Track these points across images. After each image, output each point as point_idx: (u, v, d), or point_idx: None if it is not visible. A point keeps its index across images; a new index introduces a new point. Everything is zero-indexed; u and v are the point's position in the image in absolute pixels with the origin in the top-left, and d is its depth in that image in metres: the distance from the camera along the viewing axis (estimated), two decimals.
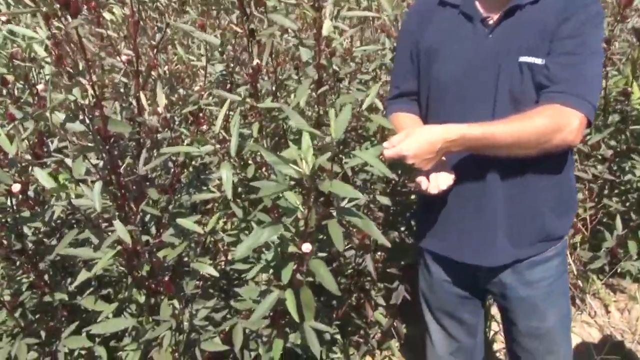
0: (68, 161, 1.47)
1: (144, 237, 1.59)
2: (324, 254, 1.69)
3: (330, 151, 1.20)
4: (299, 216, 1.34)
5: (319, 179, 1.19)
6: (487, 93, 1.41)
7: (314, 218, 1.30)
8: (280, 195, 1.77)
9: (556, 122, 1.31)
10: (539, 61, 1.35)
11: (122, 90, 1.70)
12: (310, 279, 1.45)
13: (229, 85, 1.91)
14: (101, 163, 1.51)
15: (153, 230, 1.74)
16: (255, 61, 1.72)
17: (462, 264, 1.54)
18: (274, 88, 1.83)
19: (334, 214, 1.28)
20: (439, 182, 1.41)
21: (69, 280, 1.79)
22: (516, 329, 1.60)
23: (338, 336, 1.97)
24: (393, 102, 1.68)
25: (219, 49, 1.87)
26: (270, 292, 1.46)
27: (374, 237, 1.26)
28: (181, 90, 1.98)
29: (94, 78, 1.38)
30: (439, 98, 1.50)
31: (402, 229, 2.16)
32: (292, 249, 1.36)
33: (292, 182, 1.27)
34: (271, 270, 1.58)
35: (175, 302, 1.61)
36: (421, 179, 1.41)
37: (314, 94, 1.71)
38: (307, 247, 1.30)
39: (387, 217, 2.09)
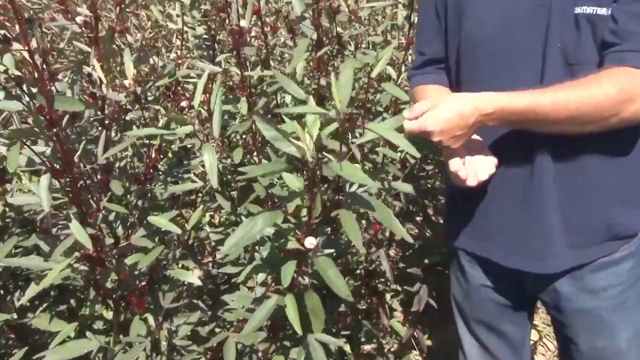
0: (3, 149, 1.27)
1: (109, 241, 1.47)
2: (330, 250, 1.51)
3: (338, 124, 1.04)
4: (301, 204, 1.20)
5: (323, 160, 1.05)
6: (532, 55, 1.21)
7: (320, 206, 1.14)
8: (275, 182, 1.59)
9: (627, 90, 1.10)
10: (602, 11, 1.13)
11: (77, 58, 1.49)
12: (314, 281, 1.33)
13: (211, 52, 1.69)
14: (48, 150, 1.32)
15: (120, 231, 1.59)
16: (239, 22, 1.51)
17: (507, 267, 1.36)
18: (262, 56, 1.61)
19: (343, 201, 1.14)
20: (477, 170, 1.23)
21: (17, 293, 1.62)
22: (576, 349, 1.38)
23: (347, 347, 1.78)
24: (418, 73, 1.52)
25: (198, 7, 1.65)
26: (267, 298, 1.31)
27: (393, 230, 1.10)
28: (156, 59, 1.78)
29: (34, 43, 1.18)
30: (471, 63, 1.33)
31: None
32: (293, 244, 1.21)
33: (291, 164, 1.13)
34: (267, 271, 1.42)
35: (150, 318, 1.47)
36: (458, 167, 1.23)
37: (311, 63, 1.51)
38: (311, 242, 1.15)
39: (404, 206, 1.88)
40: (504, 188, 1.30)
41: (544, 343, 2.57)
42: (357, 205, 1.12)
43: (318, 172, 1.08)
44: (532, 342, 2.37)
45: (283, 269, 1.21)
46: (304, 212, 1.20)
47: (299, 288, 1.28)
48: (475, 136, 1.24)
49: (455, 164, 1.24)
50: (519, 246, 1.32)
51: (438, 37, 1.43)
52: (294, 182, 1.23)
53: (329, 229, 1.62)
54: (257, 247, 1.50)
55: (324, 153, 1.03)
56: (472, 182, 1.23)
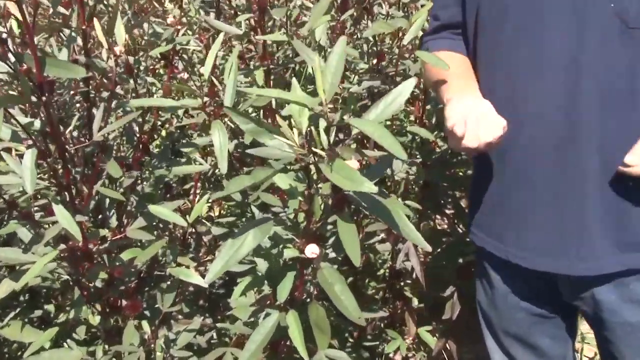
0: None
1: (103, 232, 1.39)
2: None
3: (322, 119, 0.97)
4: (300, 206, 1.18)
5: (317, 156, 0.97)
6: (572, 16, 1.14)
7: (319, 210, 1.08)
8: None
9: None
10: None
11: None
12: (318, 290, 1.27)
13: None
14: (36, 123, 1.23)
15: (113, 221, 1.52)
16: None
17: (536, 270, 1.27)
18: (284, 18, 1.55)
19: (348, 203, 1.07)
20: (480, 130, 1.13)
21: None
22: None
23: None
24: (430, 38, 1.44)
25: None
26: (267, 315, 1.24)
27: (409, 239, 1.02)
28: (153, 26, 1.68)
29: None
30: (495, 27, 1.25)
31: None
32: (291, 253, 1.16)
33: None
34: (266, 284, 1.38)
35: (145, 324, 1.43)
36: (454, 122, 1.14)
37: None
38: (312, 251, 1.09)
39: (431, 195, 1.82)
40: (533, 172, 1.22)
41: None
42: (365, 207, 1.04)
43: (313, 171, 1.03)
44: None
45: (280, 283, 1.17)
46: (302, 216, 1.16)
47: (303, 301, 1.23)
48: (483, 100, 1.19)
49: (453, 119, 1.15)
50: (552, 246, 1.23)
51: (455, 1, 1.37)
52: (283, 181, 1.18)
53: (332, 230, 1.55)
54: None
55: (313, 149, 0.96)
56: (471, 142, 1.12)
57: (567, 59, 1.14)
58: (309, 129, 0.96)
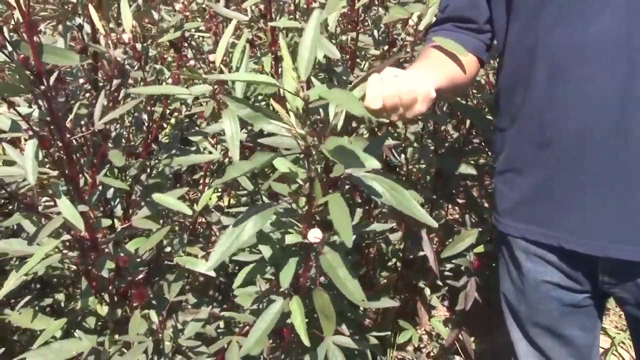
0: None
1: (106, 222, 1.36)
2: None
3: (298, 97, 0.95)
4: (300, 191, 1.15)
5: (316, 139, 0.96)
6: None
7: (320, 192, 1.05)
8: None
9: None
10: None
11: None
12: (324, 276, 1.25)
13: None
14: (35, 113, 1.21)
15: (119, 211, 1.50)
16: None
17: (581, 255, 1.20)
18: (292, 6, 1.53)
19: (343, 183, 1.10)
20: (384, 84, 1.06)
21: None
22: None
23: (377, 351, 1.68)
24: (433, 30, 1.39)
25: None
26: (272, 302, 1.23)
27: (415, 216, 0.98)
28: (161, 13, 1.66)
29: None
30: (533, 10, 1.18)
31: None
32: (294, 238, 1.16)
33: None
34: (270, 271, 1.37)
35: (153, 314, 1.41)
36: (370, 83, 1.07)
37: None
38: (315, 235, 1.07)
39: (443, 184, 1.77)
40: (585, 157, 1.15)
41: (618, 352, 2.44)
42: (360, 185, 1.02)
43: (313, 153, 1.00)
44: (602, 350, 2.24)
45: (283, 269, 1.16)
46: (303, 201, 1.12)
47: (307, 288, 1.21)
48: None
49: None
50: (601, 227, 1.17)
51: None
52: (283, 165, 1.16)
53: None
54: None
55: (298, 130, 0.94)
56: (373, 102, 1.06)
57: (617, 42, 1.08)
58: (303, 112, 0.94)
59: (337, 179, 1.02)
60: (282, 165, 1.15)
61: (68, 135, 1.22)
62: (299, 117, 0.94)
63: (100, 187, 1.35)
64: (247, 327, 1.45)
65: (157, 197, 1.31)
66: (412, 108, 1.10)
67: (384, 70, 1.06)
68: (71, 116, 1.21)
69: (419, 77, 1.12)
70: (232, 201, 2.03)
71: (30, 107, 1.28)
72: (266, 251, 1.26)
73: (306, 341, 1.14)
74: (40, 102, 1.22)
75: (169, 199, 1.30)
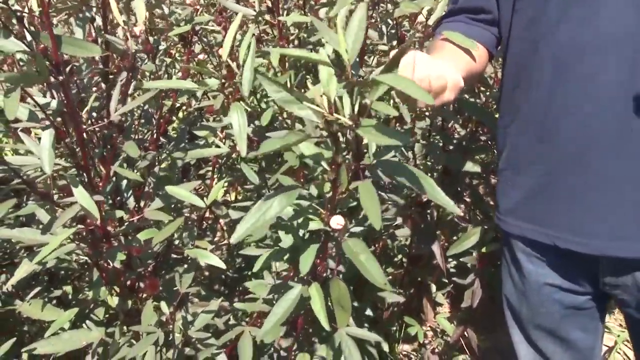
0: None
1: (119, 213, 1.35)
2: (360, 228, 1.43)
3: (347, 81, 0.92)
4: (325, 177, 1.11)
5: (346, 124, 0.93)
6: None
7: (346, 178, 1.03)
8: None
9: None
10: None
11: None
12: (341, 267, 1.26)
13: None
14: (53, 103, 1.20)
15: (131, 202, 1.49)
16: None
17: (581, 256, 1.19)
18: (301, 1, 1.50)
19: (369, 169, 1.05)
20: (417, 68, 1.05)
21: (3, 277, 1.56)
22: None
23: (385, 346, 1.68)
24: (448, 21, 1.37)
25: None
26: (290, 288, 1.21)
27: (438, 202, 0.97)
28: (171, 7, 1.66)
29: None
30: (536, 3, 1.16)
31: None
32: (316, 225, 1.12)
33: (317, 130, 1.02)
34: (288, 258, 1.34)
35: (164, 305, 1.38)
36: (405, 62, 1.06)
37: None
38: (338, 222, 1.05)
39: (451, 181, 1.77)
40: (589, 155, 1.14)
41: (622, 350, 2.42)
42: (390, 173, 1.01)
43: (342, 139, 0.98)
44: (606, 349, 2.23)
45: (303, 254, 1.14)
46: (327, 186, 1.10)
47: (323, 278, 1.20)
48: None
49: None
50: (602, 226, 1.16)
51: None
52: (310, 149, 1.13)
53: (355, 202, 1.47)
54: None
55: (336, 115, 0.92)
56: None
57: (622, 38, 1.07)
58: (337, 96, 0.93)
59: (359, 168, 1.02)
60: (308, 149, 1.13)
61: (84, 127, 1.22)
62: (331, 101, 0.92)
63: (113, 179, 1.34)
64: (257, 318, 1.45)
65: (170, 189, 1.29)
66: (440, 95, 1.08)
67: (418, 54, 1.05)
68: (87, 107, 1.21)
69: (448, 66, 1.12)
70: (239, 197, 2.03)
71: (44, 97, 1.27)
72: (285, 238, 1.27)
73: (326, 325, 1.12)
74: (54, 92, 1.23)
75: (182, 192, 1.29)
